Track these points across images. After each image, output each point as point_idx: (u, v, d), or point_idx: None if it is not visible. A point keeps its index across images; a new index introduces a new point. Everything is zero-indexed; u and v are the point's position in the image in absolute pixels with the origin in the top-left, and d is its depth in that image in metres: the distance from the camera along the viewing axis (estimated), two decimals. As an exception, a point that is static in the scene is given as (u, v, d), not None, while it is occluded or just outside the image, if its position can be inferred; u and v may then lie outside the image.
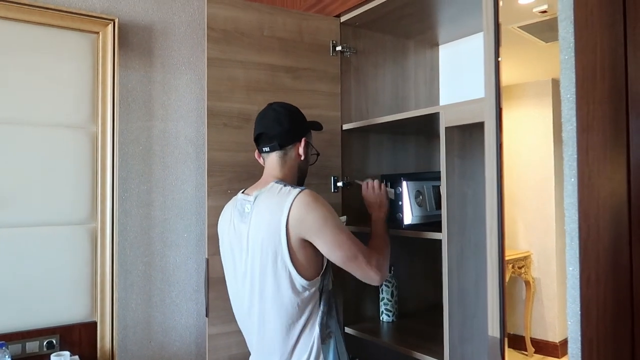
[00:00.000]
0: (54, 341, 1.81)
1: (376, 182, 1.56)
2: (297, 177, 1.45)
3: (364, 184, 1.59)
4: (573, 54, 0.95)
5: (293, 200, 1.28)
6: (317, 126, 1.49)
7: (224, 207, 1.49)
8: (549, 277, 1.80)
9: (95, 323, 1.93)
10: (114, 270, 1.97)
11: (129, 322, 2.10)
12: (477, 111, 1.20)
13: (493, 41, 0.97)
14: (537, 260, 1.86)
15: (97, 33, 2.02)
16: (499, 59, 0.95)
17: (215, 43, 1.56)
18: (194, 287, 2.24)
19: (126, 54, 2.14)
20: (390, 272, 1.81)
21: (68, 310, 1.89)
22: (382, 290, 1.84)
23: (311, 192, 1.32)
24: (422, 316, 1.91)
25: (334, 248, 1.30)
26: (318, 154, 1.52)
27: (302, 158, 1.43)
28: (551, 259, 1.73)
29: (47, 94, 1.91)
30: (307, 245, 1.31)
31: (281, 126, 1.39)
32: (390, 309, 1.82)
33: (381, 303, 1.84)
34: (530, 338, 1.85)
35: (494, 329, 0.90)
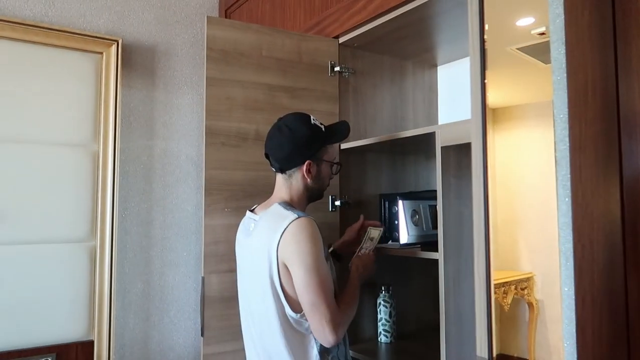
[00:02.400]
0: (50, 360, 1.80)
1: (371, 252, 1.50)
2: (307, 196, 1.43)
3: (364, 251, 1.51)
4: (565, 75, 0.96)
5: (287, 226, 1.27)
6: (333, 139, 1.43)
7: (220, 225, 1.50)
8: (552, 299, 1.77)
9: (92, 342, 1.92)
10: (112, 289, 1.96)
11: (126, 341, 2.08)
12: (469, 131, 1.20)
13: (479, 64, 0.98)
14: (540, 281, 1.84)
15: (101, 53, 2.05)
16: (485, 81, 0.96)
17: (214, 63, 1.59)
18: (192, 307, 2.22)
19: (129, 74, 2.17)
20: (388, 292, 1.79)
21: (65, 328, 1.88)
22: (380, 310, 1.82)
23: (305, 221, 1.28)
24: (420, 337, 1.88)
25: (301, 286, 1.25)
26: (340, 165, 1.48)
27: (309, 180, 1.40)
28: (555, 280, 1.71)
29: (50, 113, 1.94)
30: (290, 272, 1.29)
31: (282, 151, 1.37)
32: (389, 329, 1.80)
33: (379, 324, 1.82)
34: (534, 361, 1.82)
35: (482, 349, 0.88)
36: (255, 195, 1.61)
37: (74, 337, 1.90)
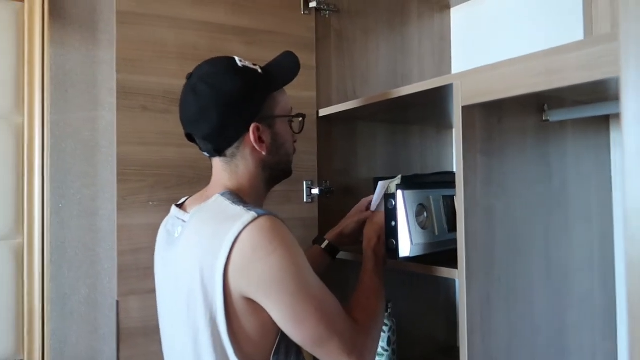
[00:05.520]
0: (-35, 387, 1.54)
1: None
2: (265, 179, 1.00)
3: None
4: None
5: (240, 233, 0.83)
6: (279, 80, 1.01)
7: (142, 226, 1.10)
8: None
9: (21, 363, 1.69)
10: (45, 296, 1.70)
11: (67, 359, 1.76)
12: (520, 75, 0.74)
13: None
14: None
15: (22, 0, 1.71)
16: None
17: (130, -10, 1.18)
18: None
19: (63, 28, 1.79)
20: (387, 311, 1.37)
21: (-16, 347, 1.66)
22: (375, 334, 1.42)
23: (269, 222, 0.86)
24: (429, 366, 1.50)
25: (291, 321, 0.86)
26: (304, 116, 1.05)
27: (264, 153, 0.97)
28: None
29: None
30: (257, 309, 0.86)
31: (208, 122, 0.93)
32: None
33: (374, 352, 1.41)
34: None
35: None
36: (197, 182, 1.20)
37: (-4, 357, 1.67)
